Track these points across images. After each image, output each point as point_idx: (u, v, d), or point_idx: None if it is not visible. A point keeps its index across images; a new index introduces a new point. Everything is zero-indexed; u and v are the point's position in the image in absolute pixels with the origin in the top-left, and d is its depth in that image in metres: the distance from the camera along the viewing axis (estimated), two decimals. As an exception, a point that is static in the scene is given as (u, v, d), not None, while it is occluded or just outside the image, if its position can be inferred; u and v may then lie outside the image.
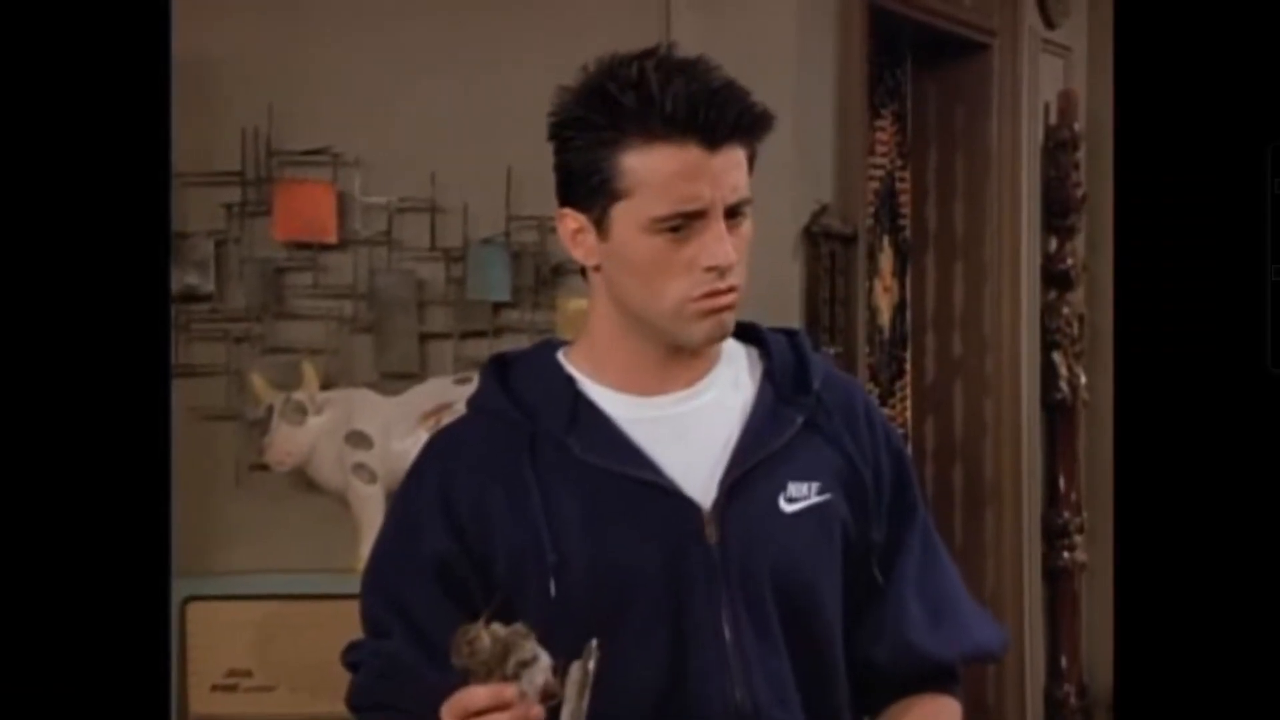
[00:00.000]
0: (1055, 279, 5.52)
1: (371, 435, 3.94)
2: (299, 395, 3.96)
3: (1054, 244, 5.52)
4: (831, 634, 2.04)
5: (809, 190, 4.35)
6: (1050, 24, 5.45)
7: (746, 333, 2.08)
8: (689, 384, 2.02)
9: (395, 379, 4.06)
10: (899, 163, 5.28)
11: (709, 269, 1.93)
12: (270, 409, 3.96)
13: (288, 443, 3.94)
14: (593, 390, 2.01)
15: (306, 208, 4.07)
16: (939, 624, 2.07)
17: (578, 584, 1.95)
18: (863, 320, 4.62)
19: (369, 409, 3.98)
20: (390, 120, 4.09)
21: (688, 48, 1.99)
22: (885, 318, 5.17)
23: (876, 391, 5.08)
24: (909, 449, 5.20)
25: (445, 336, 4.12)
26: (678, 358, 2.01)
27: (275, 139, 4.08)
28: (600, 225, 1.96)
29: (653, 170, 1.92)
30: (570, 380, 2.02)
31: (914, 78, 5.32)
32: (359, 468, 3.93)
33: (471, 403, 2.07)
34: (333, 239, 4.10)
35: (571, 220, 1.99)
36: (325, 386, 4.01)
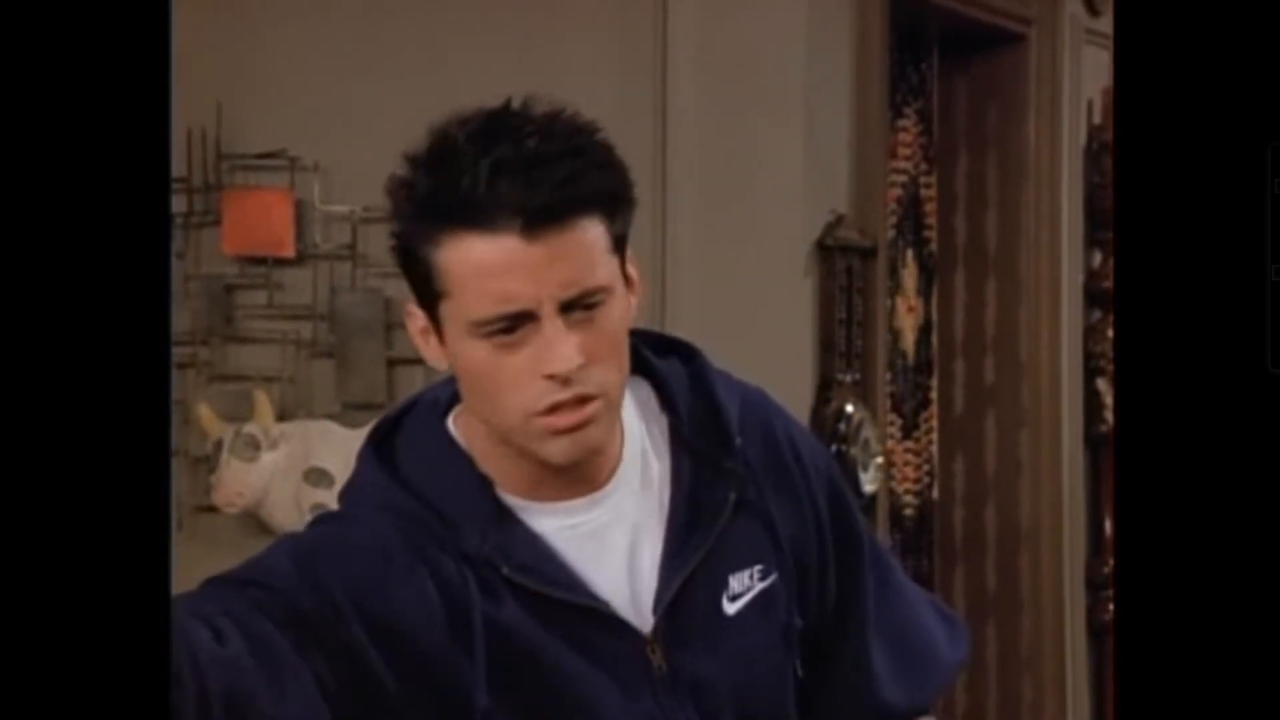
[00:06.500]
0: (1099, 298, 5.46)
1: (333, 473, 3.90)
2: (251, 428, 3.95)
3: (1098, 259, 5.50)
4: None
5: (822, 199, 4.34)
6: (1094, 11, 5.41)
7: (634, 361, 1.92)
8: (600, 485, 1.92)
9: (359, 410, 4.03)
10: (924, 168, 5.24)
11: (548, 377, 1.80)
12: (219, 444, 3.95)
13: (238, 481, 3.93)
14: (505, 495, 1.89)
15: (259, 218, 4.07)
16: (907, 667, 2.05)
17: None
18: (883, 344, 4.59)
19: (330, 443, 3.96)
20: (353, 120, 4.06)
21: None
22: (909, 341, 5.14)
23: (899, 424, 5.05)
24: (935, 489, 5.18)
25: (415, 362, 3.98)
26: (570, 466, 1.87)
27: (225, 141, 4.08)
28: (436, 327, 1.85)
29: (461, 265, 1.79)
30: (485, 481, 1.89)
31: (941, 73, 5.26)
32: (319, 510, 3.76)
33: (356, 499, 1.91)
34: (289, 253, 4.09)
35: (417, 318, 1.87)
36: (281, 418, 4.01)
